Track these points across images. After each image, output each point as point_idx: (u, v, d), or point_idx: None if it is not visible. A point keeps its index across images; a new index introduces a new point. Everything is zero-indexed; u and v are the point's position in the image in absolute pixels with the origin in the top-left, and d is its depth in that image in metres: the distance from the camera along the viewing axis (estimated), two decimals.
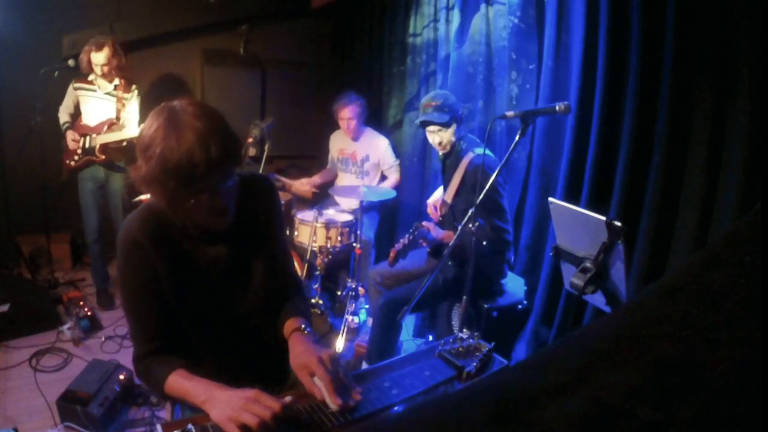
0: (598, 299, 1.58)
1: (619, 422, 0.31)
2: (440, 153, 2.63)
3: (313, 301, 3.27)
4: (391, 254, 2.47)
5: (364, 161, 3.63)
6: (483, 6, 2.85)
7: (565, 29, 2.38)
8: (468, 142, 2.55)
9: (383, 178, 3.69)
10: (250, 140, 3.25)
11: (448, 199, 2.59)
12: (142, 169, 1.13)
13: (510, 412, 0.36)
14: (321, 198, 3.91)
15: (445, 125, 2.46)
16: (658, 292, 0.43)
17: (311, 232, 3.19)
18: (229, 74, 4.55)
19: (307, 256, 3.22)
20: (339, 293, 3.51)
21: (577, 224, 1.62)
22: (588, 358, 0.39)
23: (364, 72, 4.20)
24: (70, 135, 3.23)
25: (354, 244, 3.19)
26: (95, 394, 2.24)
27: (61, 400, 2.23)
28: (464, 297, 2.03)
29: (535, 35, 2.59)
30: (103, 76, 3.19)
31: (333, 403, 1.08)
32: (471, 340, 1.36)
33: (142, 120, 3.27)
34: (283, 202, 3.49)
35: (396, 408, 1.13)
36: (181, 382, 1.18)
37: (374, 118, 3.82)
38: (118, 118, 3.26)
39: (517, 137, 1.89)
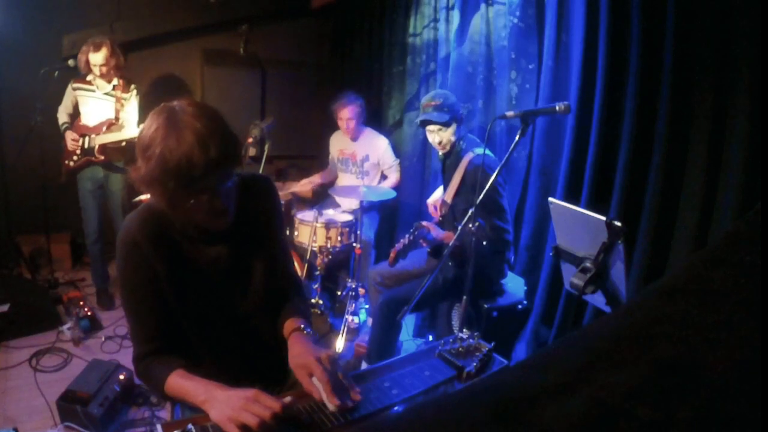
0: (598, 299, 1.58)
1: (619, 422, 0.31)
2: (440, 153, 2.63)
3: (313, 301, 3.27)
4: (392, 254, 2.47)
5: (363, 161, 3.63)
6: (483, 6, 2.85)
7: (565, 29, 2.38)
8: (468, 142, 2.55)
9: (383, 177, 3.69)
10: (250, 140, 3.25)
11: (448, 199, 2.59)
12: (141, 170, 1.13)
13: (510, 412, 0.36)
14: (321, 198, 3.91)
15: (445, 125, 2.46)
16: (658, 292, 0.43)
17: (311, 232, 3.19)
18: (229, 74, 4.55)
19: (307, 256, 3.22)
20: (339, 293, 3.51)
21: (577, 224, 1.62)
22: (588, 358, 0.39)
23: (364, 72, 4.20)
24: (69, 135, 3.23)
25: (354, 244, 3.19)
26: (95, 394, 2.24)
27: (61, 400, 2.23)
28: (464, 297, 2.03)
29: (535, 35, 2.59)
30: (102, 76, 3.18)
31: (331, 403, 1.08)
32: (471, 340, 1.36)
33: (141, 120, 3.27)
34: (283, 202, 3.50)
35: (396, 408, 1.13)
36: (180, 382, 1.18)
37: (374, 118, 3.82)
38: (117, 119, 3.26)
39: (517, 137, 1.89)
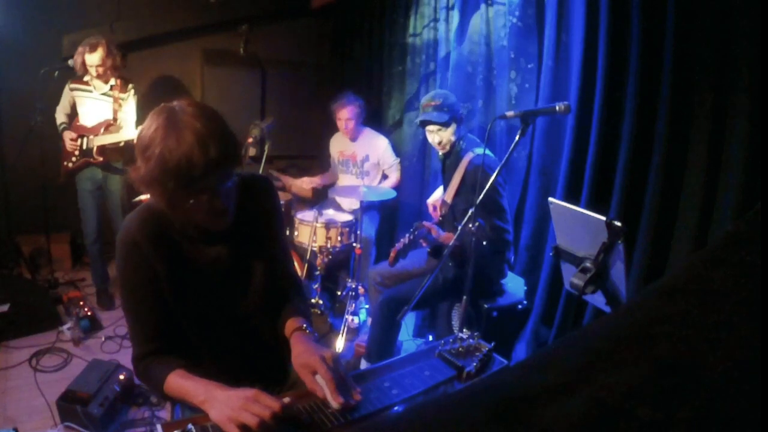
0: (598, 299, 1.58)
1: (619, 422, 0.31)
2: (440, 153, 2.63)
3: (313, 301, 3.27)
4: (392, 254, 2.47)
5: (364, 161, 3.63)
6: (482, 6, 2.85)
7: (565, 29, 2.38)
8: (468, 141, 2.55)
9: (384, 177, 3.69)
10: (250, 140, 3.25)
11: (448, 199, 2.59)
12: (141, 170, 1.13)
13: (510, 412, 0.36)
14: (321, 198, 3.91)
15: (445, 125, 2.46)
16: (658, 292, 0.43)
17: (311, 232, 3.19)
18: (229, 74, 4.55)
19: (307, 256, 3.22)
20: (339, 293, 3.51)
21: (577, 224, 1.62)
22: (588, 358, 0.39)
23: (364, 72, 4.20)
24: (68, 135, 3.22)
25: (354, 244, 3.20)
26: (95, 394, 2.24)
27: (61, 400, 2.23)
28: (464, 297, 2.03)
29: (535, 35, 2.59)
30: (98, 77, 3.17)
31: (334, 401, 1.08)
32: (471, 340, 1.36)
33: (140, 120, 3.26)
34: (283, 202, 3.50)
35: (396, 408, 1.13)
36: (180, 382, 1.18)
37: (374, 118, 3.82)
38: (115, 119, 3.25)
39: (517, 137, 1.89)
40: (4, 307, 2.99)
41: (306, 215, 3.31)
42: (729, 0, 1.60)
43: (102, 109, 3.25)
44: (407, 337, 3.18)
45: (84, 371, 2.40)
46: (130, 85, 3.30)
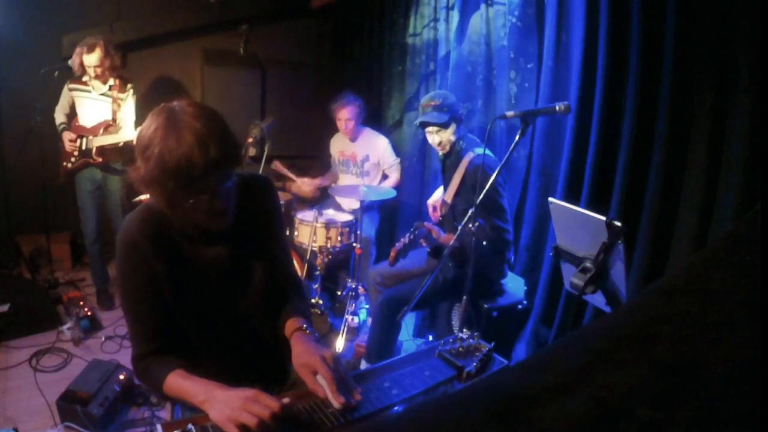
0: (598, 299, 1.58)
1: (619, 422, 0.31)
2: (440, 153, 2.63)
3: (313, 301, 3.27)
4: (392, 254, 2.47)
5: (364, 161, 3.63)
6: (482, 6, 2.85)
7: (565, 29, 2.38)
8: (468, 141, 2.55)
9: (385, 177, 3.69)
10: (250, 140, 3.25)
11: (448, 199, 2.60)
12: (141, 170, 1.13)
13: (510, 412, 0.36)
14: (321, 198, 3.91)
15: (444, 125, 2.46)
16: (658, 292, 0.43)
17: (311, 232, 3.19)
18: (229, 74, 4.55)
19: (307, 256, 3.22)
20: (339, 293, 3.51)
21: (577, 224, 1.62)
22: (588, 358, 0.39)
23: (364, 72, 4.20)
24: (67, 136, 3.21)
25: (354, 244, 3.20)
26: (95, 394, 2.24)
27: (61, 400, 2.23)
28: (464, 297, 2.03)
29: (535, 35, 2.59)
30: (97, 77, 3.17)
31: (336, 400, 1.08)
32: (471, 340, 1.36)
33: (139, 120, 3.26)
34: (283, 202, 3.50)
35: (396, 408, 1.13)
36: (180, 382, 1.18)
37: (374, 118, 3.82)
38: (114, 120, 3.24)
39: (517, 137, 1.89)
40: (4, 307, 2.99)
41: (306, 215, 3.31)
42: (729, 0, 1.60)
43: (101, 109, 3.25)
44: (407, 337, 3.18)
45: (84, 371, 2.40)
46: (129, 85, 3.29)
